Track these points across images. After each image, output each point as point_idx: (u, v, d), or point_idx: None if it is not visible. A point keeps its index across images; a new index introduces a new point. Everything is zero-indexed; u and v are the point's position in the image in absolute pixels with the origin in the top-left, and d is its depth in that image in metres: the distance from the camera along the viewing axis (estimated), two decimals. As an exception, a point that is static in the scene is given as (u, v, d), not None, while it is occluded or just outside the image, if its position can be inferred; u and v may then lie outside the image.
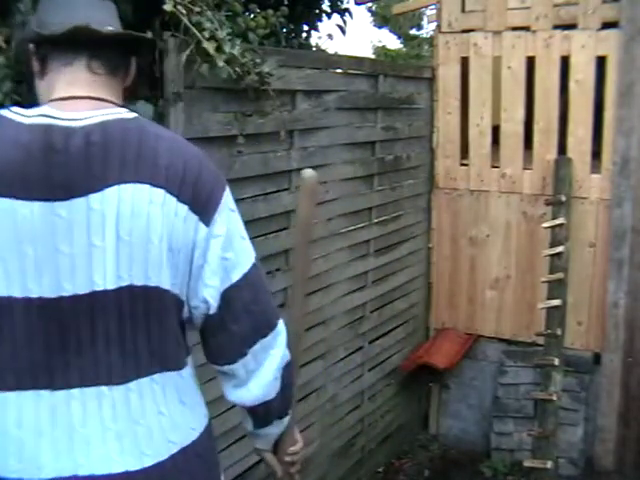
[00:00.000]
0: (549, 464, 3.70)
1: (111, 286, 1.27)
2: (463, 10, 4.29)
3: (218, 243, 1.37)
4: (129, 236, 1.27)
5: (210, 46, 2.30)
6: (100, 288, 1.27)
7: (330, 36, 4.63)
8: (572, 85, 4.03)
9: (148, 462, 1.34)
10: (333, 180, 3.49)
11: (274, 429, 1.65)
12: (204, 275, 1.36)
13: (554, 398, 3.79)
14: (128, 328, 1.31)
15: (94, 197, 1.25)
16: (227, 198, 1.46)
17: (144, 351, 1.34)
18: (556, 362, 3.83)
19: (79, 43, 1.37)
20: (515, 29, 4.15)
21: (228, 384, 1.52)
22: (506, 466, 4.18)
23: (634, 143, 3.90)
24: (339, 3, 4.41)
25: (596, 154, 4.06)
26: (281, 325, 1.50)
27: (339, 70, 3.56)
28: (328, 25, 4.61)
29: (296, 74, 3.12)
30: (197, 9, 2.33)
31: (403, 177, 4.20)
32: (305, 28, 4.38)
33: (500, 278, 4.36)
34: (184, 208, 1.32)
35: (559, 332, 3.92)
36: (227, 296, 1.39)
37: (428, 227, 4.52)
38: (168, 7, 2.24)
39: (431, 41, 6.52)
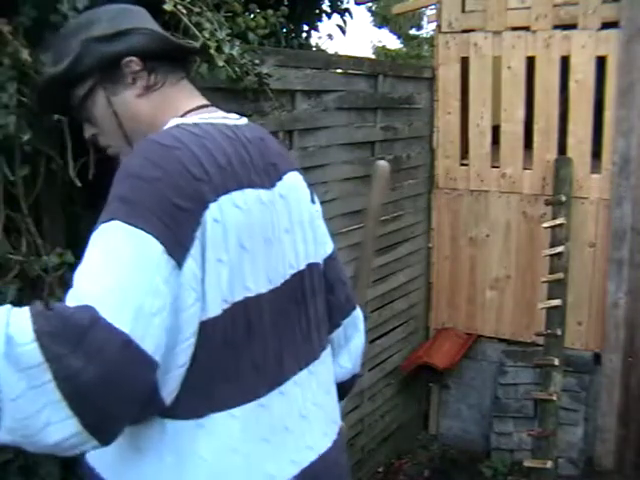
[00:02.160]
0: (549, 464, 3.70)
1: (302, 266, 1.33)
2: (463, 10, 4.29)
3: (320, 217, 1.47)
4: (303, 217, 1.35)
5: (210, 46, 2.30)
6: (296, 270, 1.31)
7: (330, 36, 4.65)
8: (572, 85, 4.03)
9: (332, 437, 1.37)
10: (333, 180, 3.49)
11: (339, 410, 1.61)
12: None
13: (554, 398, 3.79)
14: (319, 302, 1.36)
15: (280, 184, 1.32)
16: None
17: (324, 322, 1.39)
18: (556, 362, 3.83)
19: (178, 58, 1.44)
20: (515, 29, 4.15)
21: None
22: (506, 466, 4.18)
23: (634, 143, 3.90)
24: (339, 3, 4.41)
25: (596, 154, 4.06)
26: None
27: (339, 70, 3.56)
28: (328, 25, 4.61)
29: (295, 74, 3.12)
30: (197, 9, 2.33)
31: (403, 177, 4.20)
32: (305, 28, 4.38)
33: (500, 278, 4.36)
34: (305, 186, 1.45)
35: (559, 332, 3.92)
36: (325, 265, 1.44)
37: (428, 227, 4.52)
38: (168, 7, 2.24)
39: (431, 41, 6.52)
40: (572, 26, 3.99)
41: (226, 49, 2.35)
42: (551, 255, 4.00)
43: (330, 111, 3.41)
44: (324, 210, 3.28)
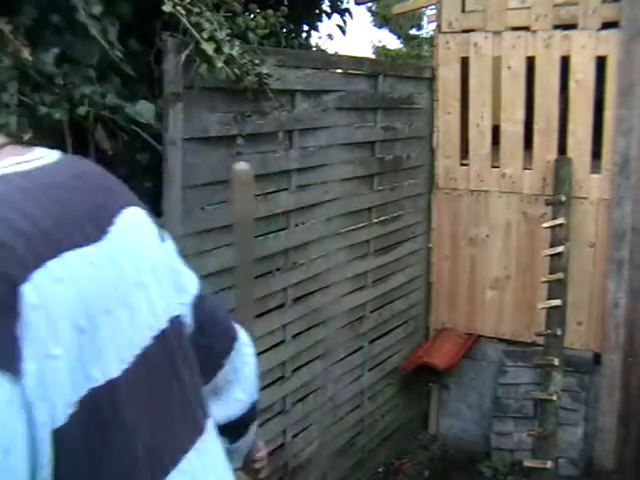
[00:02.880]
0: (549, 464, 3.70)
1: (164, 324, 1.03)
2: (463, 10, 4.29)
3: (175, 254, 1.17)
4: (154, 261, 1.05)
5: (209, 47, 2.31)
6: (157, 330, 1.01)
7: (330, 36, 4.65)
8: (572, 85, 4.03)
9: None
10: (333, 180, 3.49)
11: (250, 436, 1.46)
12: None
13: (554, 398, 3.79)
14: (191, 359, 1.09)
15: (114, 230, 0.98)
16: None
17: (200, 379, 1.15)
18: (556, 362, 3.83)
19: None
20: (515, 29, 4.15)
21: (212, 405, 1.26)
22: (506, 466, 4.18)
23: (634, 143, 3.90)
24: (339, 3, 4.41)
25: (596, 154, 4.06)
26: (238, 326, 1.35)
27: (339, 70, 3.57)
28: (328, 25, 4.61)
29: (295, 74, 3.12)
30: (196, 10, 2.33)
31: (403, 177, 4.20)
32: (305, 28, 4.39)
33: (500, 278, 4.36)
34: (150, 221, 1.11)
35: (559, 332, 3.92)
36: (194, 307, 1.18)
37: (428, 227, 4.52)
38: (167, 8, 2.24)
39: (431, 41, 6.52)
40: (572, 26, 3.99)
41: (226, 49, 2.36)
42: (551, 255, 4.00)
43: (330, 111, 3.41)
44: (324, 210, 3.28)
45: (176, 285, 1.11)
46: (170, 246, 1.15)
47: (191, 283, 1.20)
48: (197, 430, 1.06)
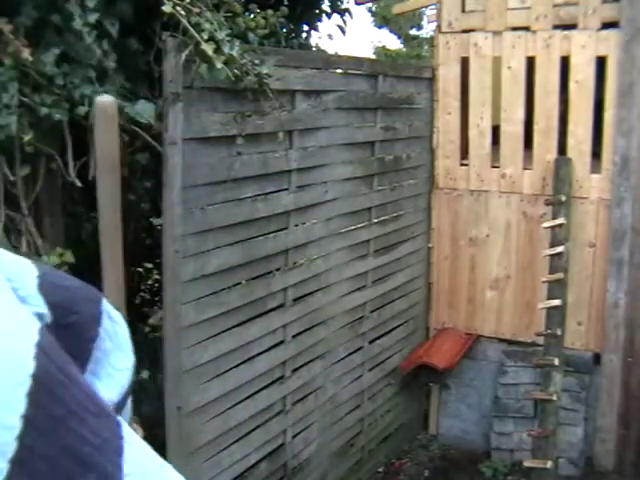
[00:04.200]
0: (549, 464, 3.70)
1: None
2: (463, 10, 4.28)
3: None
4: None
5: (208, 48, 2.31)
6: None
7: (330, 36, 4.65)
8: (572, 85, 4.03)
9: None
10: (333, 180, 3.49)
11: (129, 408, 1.45)
12: None
13: (554, 398, 3.79)
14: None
15: None
16: None
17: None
18: (556, 362, 3.83)
19: None
20: (515, 29, 4.15)
21: None
22: (506, 466, 4.18)
23: (634, 143, 3.90)
24: (339, 3, 4.41)
25: (596, 154, 4.06)
26: None
27: (339, 70, 3.57)
28: (328, 25, 4.61)
29: (295, 74, 3.12)
30: (196, 10, 2.33)
31: (403, 177, 4.20)
32: (305, 28, 4.39)
33: (500, 278, 4.36)
34: None
35: (559, 332, 3.92)
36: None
37: (428, 227, 4.52)
38: (167, 8, 2.24)
39: (431, 41, 6.52)
40: (572, 26, 3.99)
41: (226, 49, 2.36)
42: (551, 255, 4.00)
43: (330, 111, 3.41)
44: (324, 210, 3.28)
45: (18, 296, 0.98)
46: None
47: (27, 275, 1.07)
48: (115, 424, 0.94)
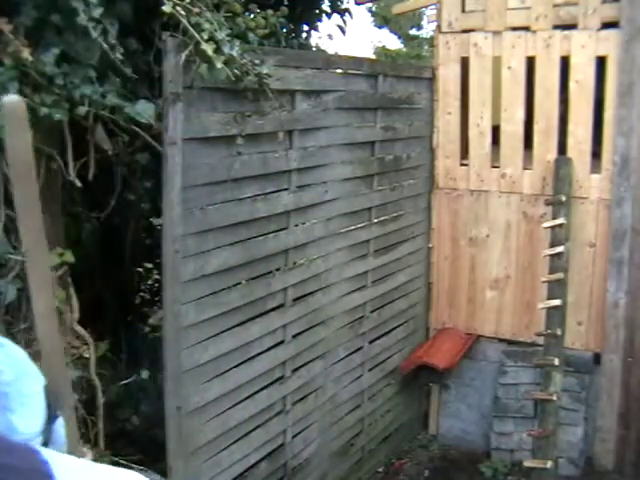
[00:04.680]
0: (549, 464, 3.70)
1: None
2: (463, 10, 4.28)
3: None
4: None
5: (208, 48, 2.31)
6: None
7: (330, 36, 4.65)
8: (572, 85, 4.03)
9: None
10: (333, 180, 3.49)
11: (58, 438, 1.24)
12: None
13: (554, 398, 3.79)
14: None
15: None
16: None
17: None
18: (556, 362, 3.83)
19: None
20: (515, 29, 4.15)
21: None
22: (506, 466, 4.18)
23: (634, 143, 3.90)
24: (339, 3, 4.42)
25: (596, 154, 4.05)
26: None
27: (339, 70, 3.57)
28: (328, 25, 4.62)
29: (295, 74, 3.12)
30: (196, 10, 2.33)
31: (403, 177, 4.20)
32: (305, 28, 4.39)
33: (500, 278, 4.36)
34: None
35: (559, 332, 3.92)
36: None
37: (428, 227, 4.52)
38: (167, 8, 2.24)
39: (431, 41, 6.52)
40: (572, 26, 3.99)
41: (226, 49, 2.36)
42: (551, 255, 4.00)
43: (330, 111, 3.41)
44: (324, 210, 3.28)
45: None
46: None
47: None
48: (34, 452, 0.85)
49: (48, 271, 1.38)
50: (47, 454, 0.89)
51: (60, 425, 1.19)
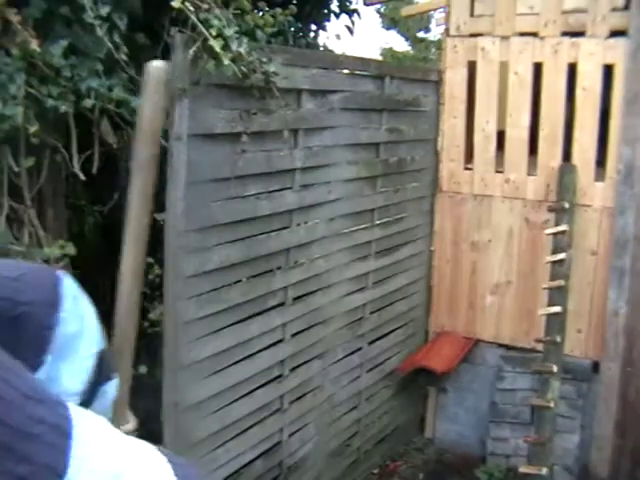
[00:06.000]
0: (544, 470, 3.69)
1: None
2: (472, 14, 4.28)
3: None
4: None
5: (216, 44, 2.31)
6: None
7: (338, 36, 4.65)
8: (578, 92, 4.02)
9: None
10: (336, 180, 3.49)
11: (106, 400, 1.24)
12: None
13: (551, 405, 3.78)
14: None
15: None
16: None
17: None
18: (554, 369, 3.83)
19: None
20: (523, 35, 4.14)
21: None
22: (501, 471, 4.18)
23: (639, 152, 3.90)
24: (348, 4, 4.42)
25: (600, 162, 4.05)
26: None
27: (345, 71, 3.57)
28: (336, 25, 4.62)
29: (302, 73, 3.12)
30: (205, 6, 2.34)
31: (407, 179, 4.20)
32: (313, 28, 4.40)
33: (501, 283, 4.36)
34: None
35: (558, 339, 3.91)
36: None
37: (430, 230, 4.51)
38: (176, 4, 2.25)
39: (439, 44, 6.52)
40: (580, 33, 3.99)
41: (234, 46, 2.36)
42: (553, 262, 4.00)
43: (336, 111, 3.41)
44: (327, 210, 3.26)
45: None
46: None
47: None
48: (63, 408, 0.83)
49: (145, 232, 1.42)
50: (75, 412, 0.87)
51: (112, 387, 1.17)
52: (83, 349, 1.10)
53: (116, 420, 1.29)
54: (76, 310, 1.09)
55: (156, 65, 1.33)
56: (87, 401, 1.11)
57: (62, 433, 0.79)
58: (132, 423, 1.47)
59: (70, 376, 1.07)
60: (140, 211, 1.41)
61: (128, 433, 1.29)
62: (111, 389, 1.18)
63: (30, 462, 0.72)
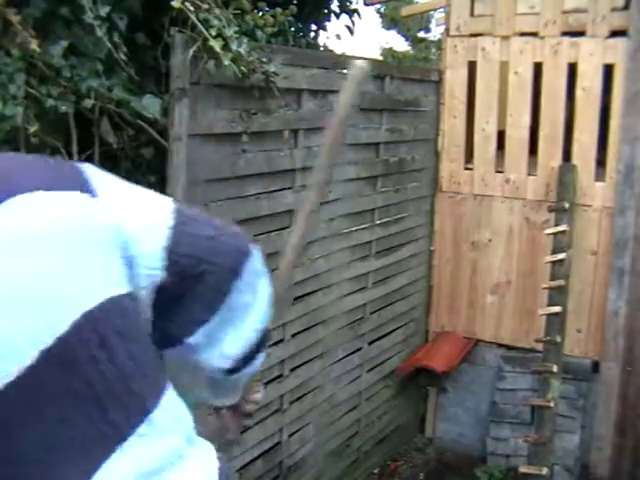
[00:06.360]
0: (544, 470, 3.69)
1: (77, 315, 0.91)
2: (472, 14, 4.28)
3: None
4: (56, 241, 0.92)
5: (216, 44, 2.31)
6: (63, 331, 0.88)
7: (338, 36, 4.65)
8: (578, 92, 4.02)
9: None
10: (336, 180, 3.49)
11: (255, 366, 1.34)
12: None
13: (551, 405, 3.78)
14: (119, 353, 0.95)
15: None
16: (92, 167, 1.09)
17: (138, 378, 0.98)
18: (554, 369, 3.83)
19: None
20: (523, 35, 4.15)
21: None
22: (501, 471, 4.18)
23: (639, 152, 3.90)
24: (348, 3, 4.42)
25: (601, 162, 4.05)
26: None
27: (345, 70, 3.56)
28: (336, 25, 4.62)
29: (302, 73, 3.12)
30: (205, 6, 2.34)
31: (407, 179, 4.20)
32: (313, 28, 4.39)
33: (501, 283, 4.36)
34: (75, 193, 0.99)
35: (558, 339, 3.91)
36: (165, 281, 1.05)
37: (430, 230, 4.52)
38: (176, 4, 2.25)
39: (439, 44, 6.52)
40: (580, 33, 3.99)
41: (234, 46, 2.36)
42: (553, 262, 4.00)
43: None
44: (327, 210, 3.26)
45: (124, 260, 0.98)
46: (109, 220, 0.99)
47: (152, 231, 1.04)
48: (162, 378, 0.98)
49: (316, 215, 1.56)
50: (91, 173, 1.01)
51: (260, 360, 1.28)
52: (250, 321, 1.16)
53: (247, 390, 1.42)
54: (254, 284, 1.16)
55: (359, 65, 1.52)
56: (237, 368, 1.21)
57: (88, 191, 0.97)
58: (261, 392, 1.53)
59: (232, 342, 1.14)
60: (317, 190, 1.60)
61: (257, 402, 1.45)
62: (259, 362, 1.28)
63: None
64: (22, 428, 0.87)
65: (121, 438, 0.93)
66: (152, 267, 1.02)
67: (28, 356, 0.86)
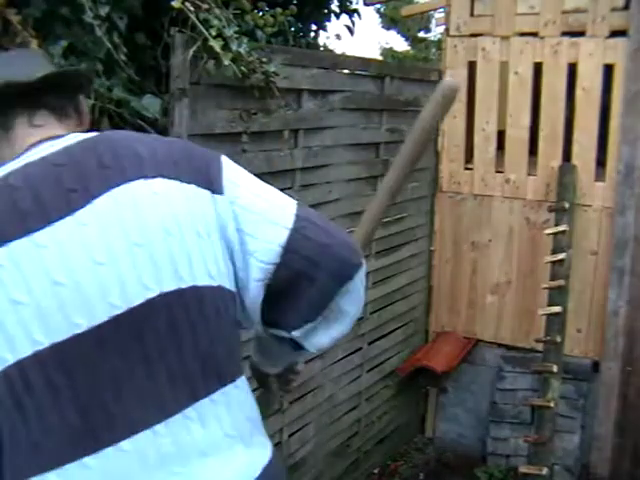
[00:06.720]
0: (544, 471, 3.69)
1: (137, 301, 1.10)
2: (472, 14, 4.28)
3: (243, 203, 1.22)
4: (142, 238, 1.11)
5: (216, 44, 2.31)
6: (121, 310, 1.09)
7: (338, 36, 4.65)
8: (578, 92, 4.03)
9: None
10: (336, 180, 3.49)
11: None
12: (248, 247, 1.19)
13: (551, 405, 3.78)
14: (169, 345, 1.13)
15: (80, 213, 1.10)
16: (227, 161, 1.33)
17: (195, 367, 1.16)
18: (555, 369, 3.83)
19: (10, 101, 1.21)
20: (523, 35, 4.15)
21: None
22: (501, 471, 4.18)
23: (639, 152, 3.90)
24: (348, 3, 4.42)
25: (601, 162, 4.05)
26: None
27: (345, 70, 3.57)
28: (336, 25, 4.62)
29: (302, 73, 3.12)
30: (205, 6, 2.34)
31: (407, 179, 4.19)
32: (313, 28, 4.39)
33: (501, 283, 4.36)
34: (191, 187, 1.19)
35: (558, 339, 3.91)
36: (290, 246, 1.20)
37: (430, 230, 4.52)
38: (176, 4, 2.25)
39: (439, 44, 6.52)
40: (580, 33, 3.99)
41: (234, 46, 2.36)
42: (553, 262, 4.00)
43: (336, 111, 3.41)
44: (327, 210, 3.26)
45: (239, 253, 1.20)
46: (227, 209, 1.21)
47: (271, 229, 1.21)
48: (190, 397, 1.16)
49: (381, 215, 1.71)
50: (224, 166, 1.30)
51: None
52: (342, 325, 1.31)
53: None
54: (356, 296, 1.29)
55: (448, 83, 1.58)
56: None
57: (213, 183, 1.26)
58: (301, 365, 1.65)
59: (322, 336, 1.30)
60: (389, 192, 1.74)
61: (297, 373, 1.62)
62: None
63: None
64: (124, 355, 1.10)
65: (194, 399, 1.15)
66: (267, 262, 1.19)
67: (150, 291, 1.11)
